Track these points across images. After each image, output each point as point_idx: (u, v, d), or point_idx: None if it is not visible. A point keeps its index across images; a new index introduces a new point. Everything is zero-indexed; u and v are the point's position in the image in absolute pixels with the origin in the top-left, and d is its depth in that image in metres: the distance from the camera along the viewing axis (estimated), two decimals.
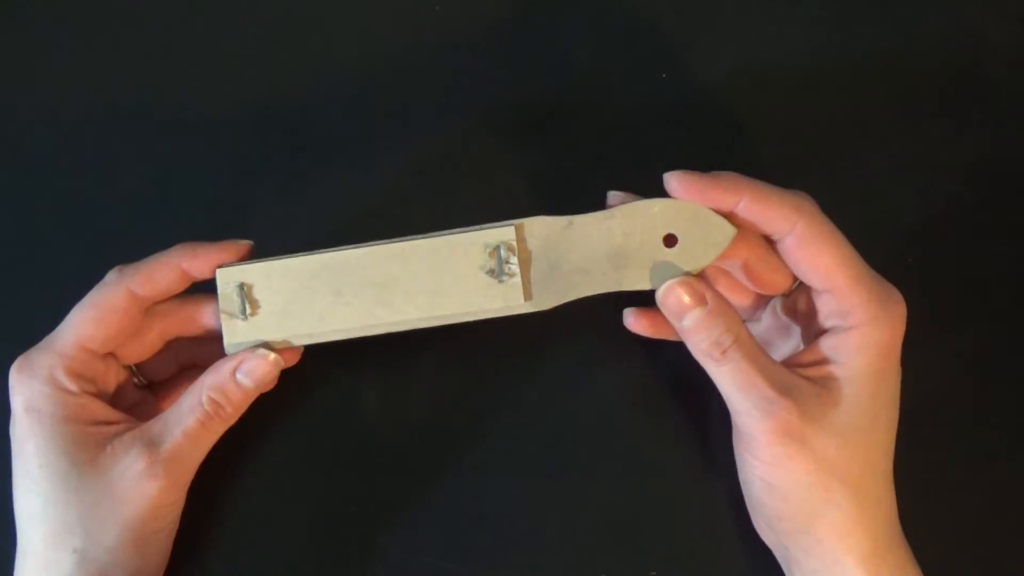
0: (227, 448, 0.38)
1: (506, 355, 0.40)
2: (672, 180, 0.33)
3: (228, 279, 0.35)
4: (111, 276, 0.34)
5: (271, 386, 0.35)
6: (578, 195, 0.42)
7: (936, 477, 0.40)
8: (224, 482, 0.39)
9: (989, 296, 0.42)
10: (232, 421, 0.35)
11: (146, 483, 0.33)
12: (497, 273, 0.34)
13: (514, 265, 0.34)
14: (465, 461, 0.40)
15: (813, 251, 0.33)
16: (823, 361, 0.33)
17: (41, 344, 0.34)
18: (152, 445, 0.33)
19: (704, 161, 0.41)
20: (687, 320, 0.33)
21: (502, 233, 0.34)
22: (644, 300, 0.36)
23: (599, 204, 0.42)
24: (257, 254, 0.36)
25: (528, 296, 0.34)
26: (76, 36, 0.43)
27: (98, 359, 0.34)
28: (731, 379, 0.33)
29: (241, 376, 0.34)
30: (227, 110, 0.42)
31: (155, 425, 0.34)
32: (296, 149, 0.42)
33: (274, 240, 0.38)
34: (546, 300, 0.35)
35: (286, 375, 0.39)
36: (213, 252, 0.34)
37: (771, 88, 0.43)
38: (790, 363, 0.34)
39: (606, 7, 0.43)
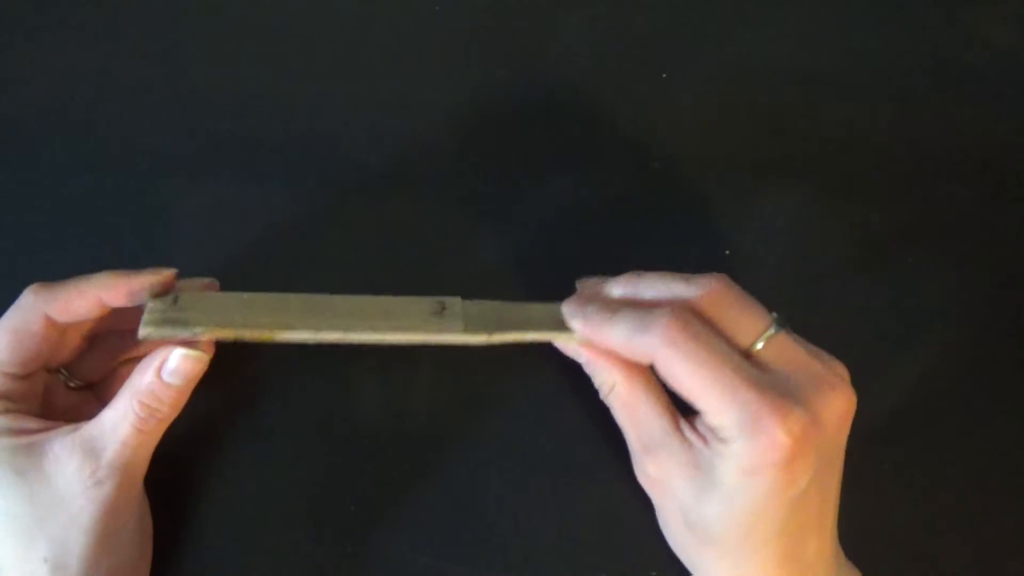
0: (225, 447, 0.38)
1: (506, 353, 0.40)
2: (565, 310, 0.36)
3: (165, 296, 0.34)
4: (28, 298, 0.33)
5: (200, 375, 0.34)
6: (577, 195, 0.42)
7: (934, 477, 0.40)
8: (223, 481, 0.39)
9: (989, 296, 0.42)
10: (173, 415, 0.34)
11: (95, 490, 0.32)
12: (442, 314, 0.35)
13: (458, 308, 0.35)
14: (465, 460, 0.40)
15: (670, 381, 0.32)
16: (705, 439, 0.33)
17: None
18: (92, 453, 0.33)
19: (704, 160, 0.41)
20: (580, 362, 0.36)
21: (449, 297, 0.36)
22: None
23: (596, 204, 0.42)
24: (232, 259, 0.35)
25: (470, 328, 0.35)
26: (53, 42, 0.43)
27: (18, 379, 0.34)
28: (615, 417, 0.36)
29: (168, 377, 0.33)
30: (218, 110, 0.42)
31: (93, 428, 0.33)
32: (290, 148, 0.42)
33: (251, 246, 0.38)
34: (487, 332, 0.35)
35: (285, 375, 0.39)
36: (133, 283, 0.33)
37: (770, 88, 0.43)
38: (692, 417, 0.35)
39: (606, 7, 0.43)
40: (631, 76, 0.43)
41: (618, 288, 0.35)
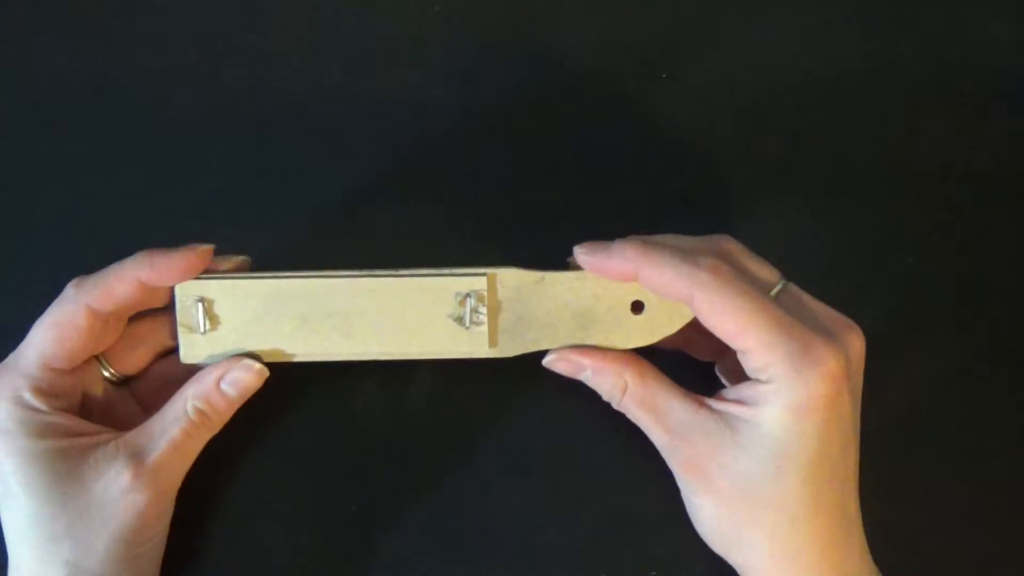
0: (226, 448, 0.38)
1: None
2: (579, 255, 0.35)
3: (187, 292, 0.34)
4: (69, 291, 0.34)
5: (255, 390, 0.35)
6: (577, 195, 0.42)
7: (934, 478, 0.40)
8: (223, 482, 0.39)
9: (989, 296, 0.42)
10: (217, 429, 0.35)
11: (132, 496, 0.33)
12: (465, 321, 0.35)
13: (482, 315, 0.35)
14: (465, 461, 0.40)
15: (714, 320, 0.32)
16: (739, 402, 0.33)
17: (4, 364, 0.34)
18: (136, 457, 0.33)
19: (704, 161, 0.41)
20: (583, 378, 0.36)
21: (473, 282, 0.35)
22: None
23: (596, 206, 0.42)
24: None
25: (493, 345, 0.35)
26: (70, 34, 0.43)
27: (65, 374, 0.34)
28: (635, 420, 0.35)
29: (226, 386, 0.34)
30: (216, 111, 0.42)
31: (139, 436, 0.34)
32: (288, 148, 0.42)
33: (251, 245, 0.38)
34: (509, 349, 0.36)
35: (285, 376, 0.39)
36: (172, 263, 0.34)
37: (771, 88, 0.43)
38: (713, 396, 0.35)
39: (606, 7, 0.43)
40: (631, 76, 0.43)
41: (627, 256, 0.34)
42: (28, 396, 0.33)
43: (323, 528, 0.39)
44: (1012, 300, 0.42)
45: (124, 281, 0.33)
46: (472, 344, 0.35)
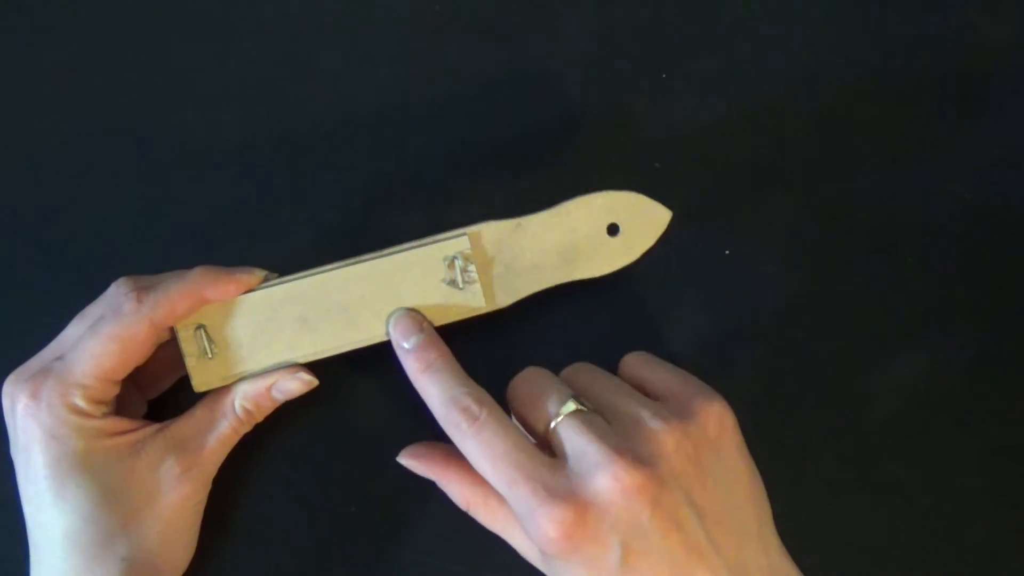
0: None
1: (505, 354, 0.40)
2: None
3: (186, 324, 0.35)
4: (130, 305, 0.34)
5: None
6: (576, 195, 0.42)
7: (934, 477, 0.40)
8: (221, 482, 0.39)
9: (989, 296, 0.42)
10: (254, 424, 0.37)
11: (184, 486, 0.35)
12: (458, 282, 0.36)
13: (473, 272, 0.36)
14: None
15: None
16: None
17: (52, 369, 0.34)
18: (184, 448, 0.35)
19: (704, 161, 0.41)
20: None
21: (457, 244, 0.36)
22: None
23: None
24: (236, 258, 0.36)
25: (489, 298, 0.36)
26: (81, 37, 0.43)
27: (117, 384, 0.35)
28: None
29: (276, 392, 0.36)
30: (216, 108, 0.42)
31: (184, 428, 0.36)
32: (288, 149, 0.42)
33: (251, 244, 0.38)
34: (504, 299, 0.37)
35: None
36: (233, 283, 0.35)
37: (770, 88, 0.43)
38: None
39: (606, 7, 0.43)
40: (631, 76, 0.43)
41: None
42: (81, 403, 0.34)
43: (322, 528, 0.39)
44: (1012, 300, 0.42)
45: (188, 299, 0.34)
46: (470, 303, 0.36)
